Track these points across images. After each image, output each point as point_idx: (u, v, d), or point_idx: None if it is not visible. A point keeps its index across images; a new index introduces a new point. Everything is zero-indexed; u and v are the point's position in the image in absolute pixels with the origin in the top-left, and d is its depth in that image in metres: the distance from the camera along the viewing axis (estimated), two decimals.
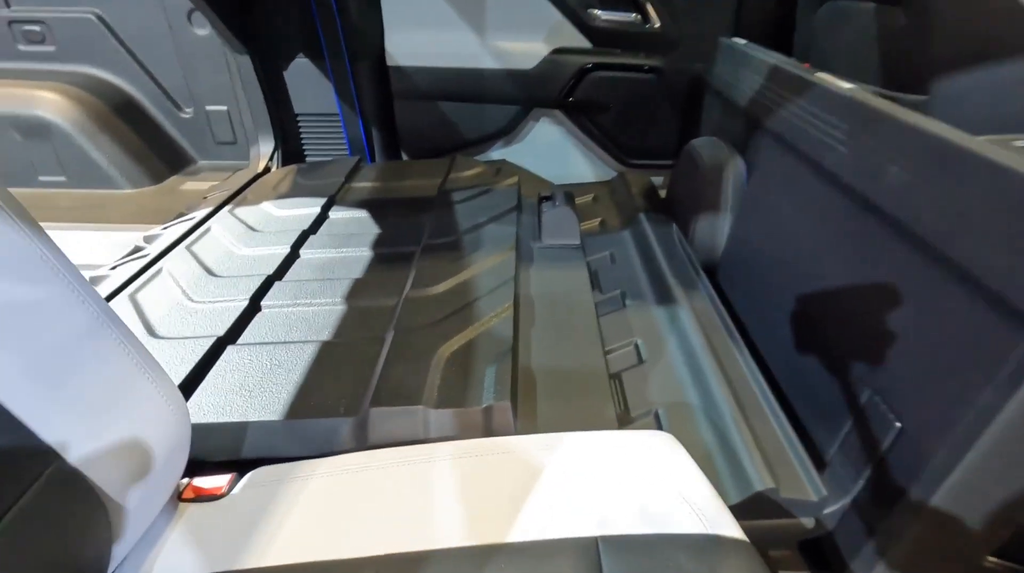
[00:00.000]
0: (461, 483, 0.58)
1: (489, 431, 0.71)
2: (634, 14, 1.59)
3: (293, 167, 1.59)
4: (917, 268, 0.67)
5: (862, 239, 0.78)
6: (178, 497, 0.63)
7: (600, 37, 1.61)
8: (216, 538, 0.57)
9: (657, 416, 0.83)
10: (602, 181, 1.71)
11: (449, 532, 0.53)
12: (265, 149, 1.66)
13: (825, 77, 0.97)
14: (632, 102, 1.66)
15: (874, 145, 0.77)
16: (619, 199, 1.54)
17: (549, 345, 0.90)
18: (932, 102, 0.98)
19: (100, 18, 1.65)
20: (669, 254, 1.22)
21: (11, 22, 1.65)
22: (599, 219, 1.43)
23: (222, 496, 0.63)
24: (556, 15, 1.59)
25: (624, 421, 0.82)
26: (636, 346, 0.98)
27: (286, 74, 1.63)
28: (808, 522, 0.71)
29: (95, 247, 1.35)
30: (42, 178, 1.68)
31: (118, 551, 0.53)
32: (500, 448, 0.61)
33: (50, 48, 1.68)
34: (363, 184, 1.49)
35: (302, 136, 1.72)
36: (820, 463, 0.78)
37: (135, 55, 1.71)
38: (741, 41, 1.38)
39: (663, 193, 1.62)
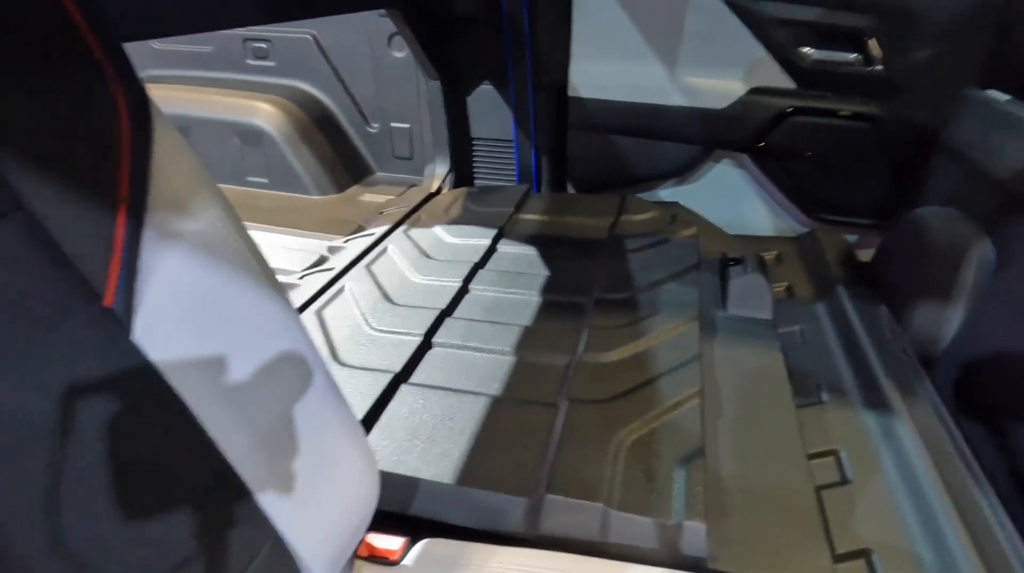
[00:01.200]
0: None
1: (675, 551, 0.62)
2: (854, 54, 1.40)
3: (464, 190, 1.62)
4: None
5: None
6: (354, 554, 0.63)
7: (807, 78, 1.45)
8: None
9: (870, 562, 0.69)
10: (787, 237, 1.53)
11: None
12: (440, 169, 1.71)
13: None
14: (836, 152, 1.47)
15: None
16: (810, 262, 1.36)
17: (741, 445, 0.79)
18: None
19: (315, 38, 1.81)
20: (879, 343, 1.04)
21: (245, 39, 1.88)
22: (785, 284, 1.28)
23: (395, 562, 0.61)
24: (759, 51, 1.45)
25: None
26: (838, 458, 0.83)
27: (469, 99, 1.67)
28: None
29: (286, 250, 1.47)
30: (249, 178, 1.88)
31: None
32: None
33: (272, 63, 1.88)
34: (531, 217, 1.46)
35: (475, 159, 1.75)
36: None
37: (338, 72, 1.86)
38: (1001, 96, 1.15)
39: (861, 256, 1.41)
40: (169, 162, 0.41)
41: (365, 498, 0.55)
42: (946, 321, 1.05)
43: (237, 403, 0.43)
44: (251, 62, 1.90)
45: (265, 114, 1.78)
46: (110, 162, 0.37)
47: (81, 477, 0.33)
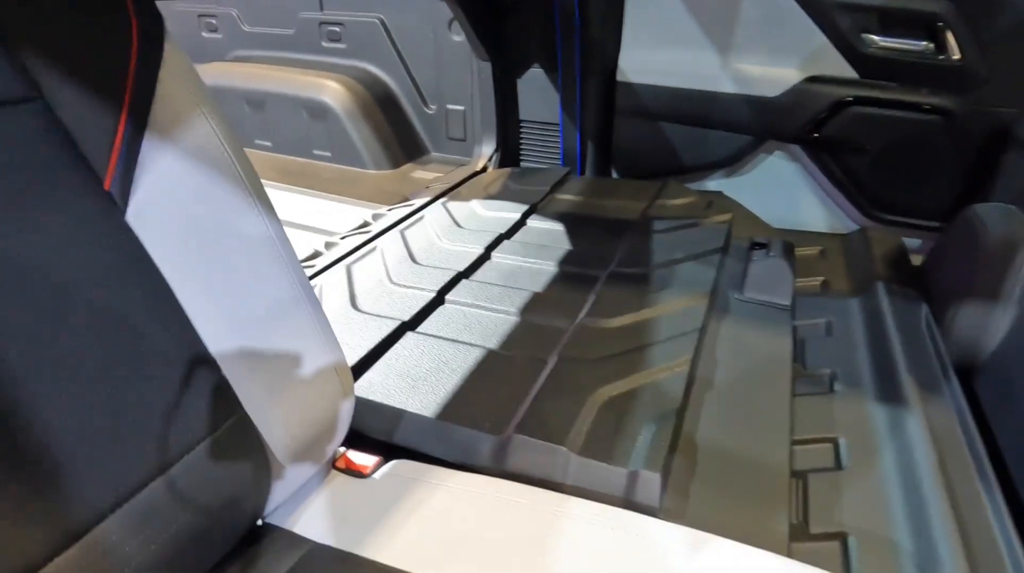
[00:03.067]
0: (583, 552, 0.52)
1: (629, 499, 0.63)
2: (925, 42, 1.31)
3: (507, 170, 1.66)
4: None
5: None
6: (332, 463, 0.69)
7: (871, 66, 1.37)
8: (350, 516, 0.61)
9: (845, 544, 0.66)
10: (835, 234, 1.46)
11: None
12: (487, 150, 1.76)
13: None
14: (899, 146, 1.38)
15: None
16: (854, 259, 1.29)
17: (723, 417, 0.78)
18: None
19: (382, 22, 1.92)
20: (909, 340, 0.98)
21: (321, 23, 2.02)
22: (821, 278, 1.22)
23: (366, 476, 0.67)
24: (818, 38, 1.39)
25: (798, 536, 0.67)
26: (836, 445, 0.80)
27: (519, 82, 1.71)
28: None
29: (339, 217, 1.59)
30: (315, 151, 2.03)
31: (275, 498, 0.59)
32: (637, 528, 0.53)
33: (343, 46, 2.02)
34: (566, 197, 1.49)
35: (522, 141, 1.79)
36: None
37: (401, 55, 1.96)
38: None
39: (915, 260, 1.32)
40: (174, 81, 0.48)
41: (333, 404, 0.61)
42: (991, 324, 0.97)
43: (214, 289, 0.49)
44: (325, 44, 2.04)
45: (332, 91, 1.91)
46: (119, 71, 0.44)
47: (69, 321, 0.40)
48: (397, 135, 1.99)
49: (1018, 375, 0.89)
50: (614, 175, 1.74)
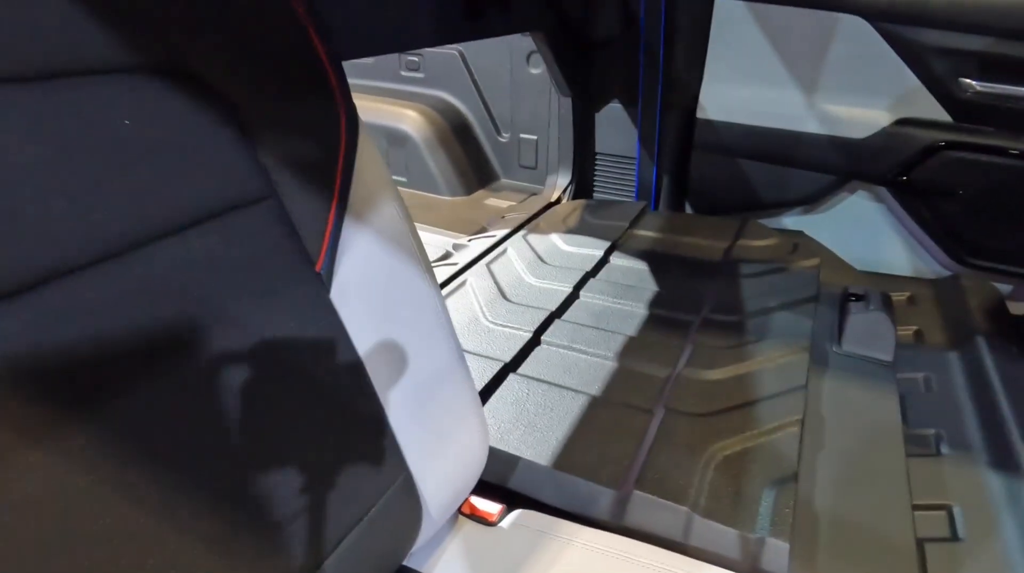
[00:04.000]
0: None
1: (756, 567, 0.65)
2: None
3: (582, 202, 1.69)
4: None
5: None
6: (459, 509, 0.72)
7: (965, 111, 1.34)
8: (481, 565, 0.64)
9: None
10: (924, 279, 1.43)
11: None
12: (562, 181, 1.80)
13: None
14: (994, 192, 1.35)
15: None
16: (948, 307, 1.26)
17: (840, 480, 0.79)
18: None
19: (461, 54, 1.99)
20: (1018, 399, 0.96)
21: (402, 53, 2.10)
22: (914, 328, 1.20)
23: (493, 523, 0.70)
24: (911, 80, 1.37)
25: None
26: (950, 513, 0.79)
27: (597, 115, 1.74)
28: None
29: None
30: (393, 177, 2.10)
31: (415, 545, 0.63)
32: None
33: (421, 75, 2.09)
34: (646, 233, 1.50)
35: (596, 174, 1.82)
36: None
37: (478, 85, 2.02)
38: None
39: (1015, 309, 1.28)
40: (366, 165, 0.53)
41: (476, 457, 0.64)
42: None
43: (394, 358, 0.53)
44: (404, 73, 2.12)
45: (411, 120, 1.98)
46: (332, 163, 0.49)
47: (290, 392, 0.45)
48: (471, 162, 2.05)
49: None
50: (688, 210, 1.74)
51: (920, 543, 0.75)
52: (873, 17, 1.35)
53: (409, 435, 0.55)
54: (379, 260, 0.53)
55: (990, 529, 0.77)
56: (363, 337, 0.51)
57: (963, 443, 0.90)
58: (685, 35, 1.54)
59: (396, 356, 0.54)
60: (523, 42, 1.84)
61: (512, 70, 1.92)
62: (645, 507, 0.71)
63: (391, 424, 0.53)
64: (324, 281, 0.48)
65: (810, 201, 1.58)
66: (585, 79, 1.67)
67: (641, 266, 1.33)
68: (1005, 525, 0.77)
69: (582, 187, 1.82)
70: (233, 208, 0.42)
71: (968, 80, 1.33)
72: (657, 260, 1.35)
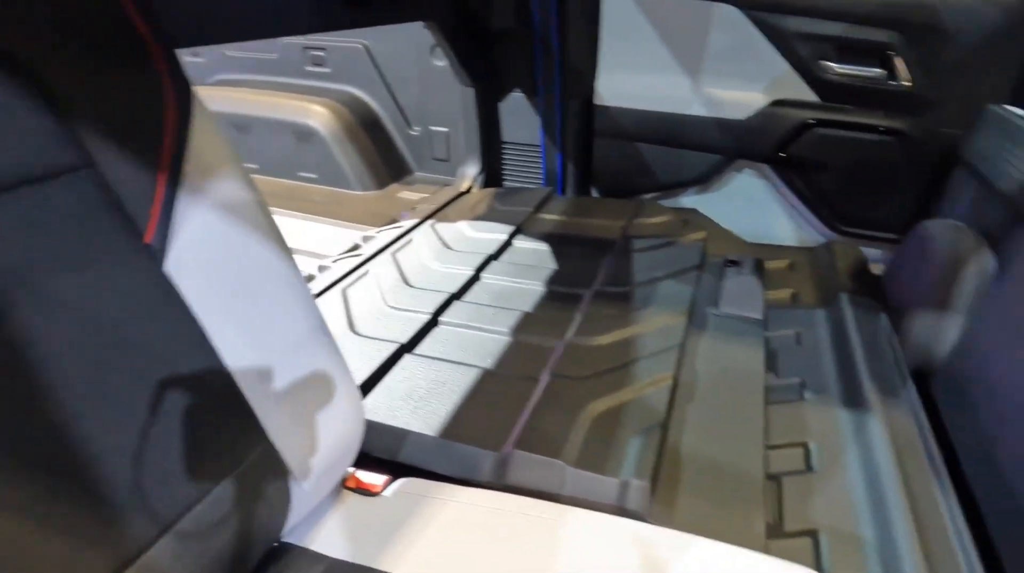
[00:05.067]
0: (582, 557, 0.57)
1: (622, 506, 0.69)
2: (878, 69, 1.41)
3: (491, 191, 1.73)
4: None
5: None
6: (343, 483, 0.73)
7: (830, 91, 1.47)
8: (364, 532, 0.65)
9: (816, 541, 0.73)
10: (803, 247, 1.55)
11: None
12: (472, 171, 1.82)
13: None
14: (858, 165, 1.48)
15: None
16: (820, 271, 1.38)
17: (704, 427, 0.85)
18: None
19: (366, 48, 1.98)
20: (871, 348, 1.07)
21: (304, 48, 2.07)
22: (791, 291, 1.30)
23: (377, 494, 0.71)
24: (782, 65, 1.49)
25: (774, 534, 0.74)
26: (807, 449, 0.87)
27: (501, 105, 1.78)
28: None
29: (329, 239, 1.63)
30: (300, 173, 2.06)
31: (292, 519, 0.64)
32: (630, 533, 0.59)
33: (327, 70, 2.06)
34: (550, 216, 1.55)
35: (504, 162, 1.86)
36: None
37: (385, 79, 2.02)
38: (1019, 111, 1.15)
39: (875, 270, 1.41)
40: (203, 140, 0.53)
41: (351, 430, 0.65)
42: (943, 332, 1.06)
43: (243, 328, 0.54)
44: (309, 68, 2.08)
45: (317, 115, 1.95)
46: (156, 131, 0.49)
47: (116, 362, 0.45)
48: (382, 156, 2.04)
49: (969, 380, 0.97)
50: (594, 193, 1.81)
51: (778, 477, 0.83)
52: (742, 5, 1.45)
53: (267, 406, 0.55)
54: (222, 233, 0.53)
55: (839, 460, 0.85)
56: (207, 309, 0.51)
57: (823, 388, 1.00)
58: (577, 26, 1.60)
59: (246, 328, 0.54)
60: (428, 34, 1.86)
61: (418, 63, 1.93)
62: (524, 465, 0.74)
63: (245, 395, 0.54)
64: (156, 253, 0.49)
65: (703, 180, 1.68)
66: (487, 70, 1.71)
67: (542, 247, 1.37)
68: (851, 456, 0.86)
69: (492, 176, 1.86)
70: (44, 179, 0.42)
71: (828, 63, 1.45)
72: (557, 241, 1.40)
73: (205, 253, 0.52)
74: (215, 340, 0.52)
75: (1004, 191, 1.04)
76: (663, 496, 0.72)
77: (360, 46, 1.98)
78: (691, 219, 1.51)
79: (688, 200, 1.73)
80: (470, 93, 1.73)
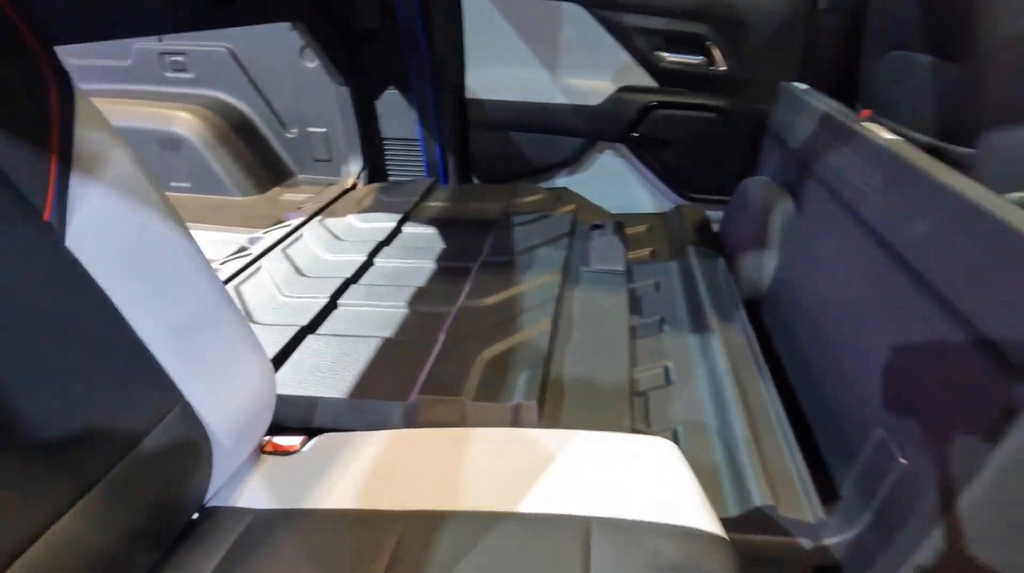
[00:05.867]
0: (484, 462, 0.68)
1: (517, 425, 0.81)
2: (700, 57, 1.67)
3: (376, 185, 1.79)
4: (932, 318, 0.71)
5: (886, 286, 0.82)
6: (261, 450, 0.78)
7: (666, 77, 1.71)
8: (287, 484, 0.71)
9: (675, 433, 0.90)
10: (658, 213, 1.78)
11: (468, 498, 0.64)
12: (354, 168, 1.87)
13: (870, 126, 1.01)
14: (694, 139, 1.74)
15: (903, 197, 0.82)
16: (672, 231, 1.60)
17: (580, 359, 1.00)
18: (979, 156, 1.00)
19: (231, 51, 1.94)
20: (712, 286, 1.28)
21: (162, 53, 1.98)
22: (650, 249, 1.51)
23: (295, 453, 0.77)
24: (624, 56, 1.70)
25: (641, 432, 0.89)
26: (666, 369, 1.05)
27: (377, 103, 1.84)
28: (805, 543, 0.76)
29: (210, 244, 1.59)
30: (172, 183, 1.98)
31: (215, 483, 0.68)
32: (521, 437, 0.71)
33: (190, 75, 1.99)
34: (435, 203, 1.65)
35: (386, 158, 1.92)
36: (835, 496, 0.82)
37: (255, 82, 1.99)
38: (801, 86, 1.43)
39: (716, 227, 1.67)
40: (87, 124, 0.57)
41: (264, 390, 0.71)
42: (764, 267, 1.30)
43: (147, 296, 0.58)
44: (169, 74, 2.00)
45: (184, 122, 1.89)
46: (43, 121, 0.53)
47: (23, 332, 0.48)
48: (260, 160, 2.01)
49: (784, 302, 1.21)
50: (475, 182, 1.93)
51: (645, 392, 1.00)
52: (585, 4, 1.65)
53: (181, 368, 0.60)
54: (116, 209, 0.57)
55: (690, 373, 1.04)
56: (111, 279, 0.55)
57: (677, 322, 1.19)
58: (441, 24, 1.71)
59: (152, 296, 0.58)
60: (296, 36, 1.86)
61: (289, 65, 1.93)
62: (428, 407, 0.84)
63: (157, 358, 0.58)
64: (56, 230, 0.52)
65: (571, 162, 1.87)
66: (359, 68, 1.76)
67: (430, 231, 1.47)
68: (699, 369, 1.05)
69: (376, 172, 1.91)
70: None
71: (661, 53, 1.69)
72: (444, 224, 1.50)
73: (104, 228, 0.56)
74: (121, 307, 0.56)
75: (796, 150, 1.31)
76: (549, 413, 0.85)
77: (224, 50, 1.94)
78: (563, 196, 1.68)
79: (560, 181, 1.91)
80: (344, 92, 1.77)
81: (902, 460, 0.72)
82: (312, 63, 1.90)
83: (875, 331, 0.83)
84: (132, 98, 1.99)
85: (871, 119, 1.25)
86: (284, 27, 1.85)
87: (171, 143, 1.91)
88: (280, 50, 1.92)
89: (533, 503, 0.62)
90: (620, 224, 1.37)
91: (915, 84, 1.21)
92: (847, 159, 1.01)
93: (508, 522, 0.61)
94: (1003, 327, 0.60)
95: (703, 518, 0.60)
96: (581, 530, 0.59)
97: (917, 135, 1.17)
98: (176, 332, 0.60)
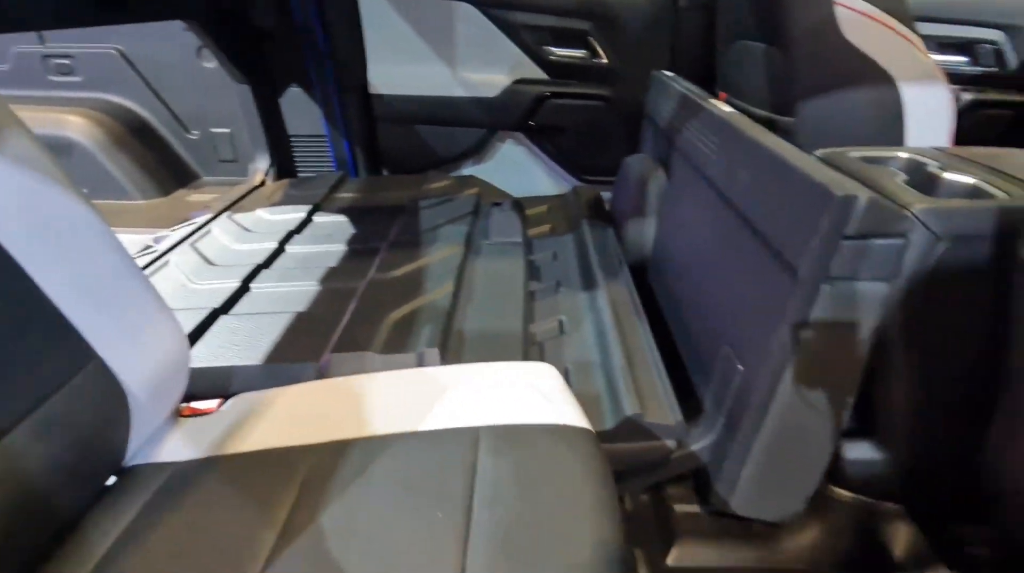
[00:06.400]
0: (388, 397, 0.77)
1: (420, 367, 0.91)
2: (584, 51, 1.84)
3: (285, 181, 1.82)
4: (756, 251, 0.87)
5: (726, 230, 0.99)
6: (180, 415, 0.83)
7: (555, 70, 1.86)
8: (207, 437, 0.77)
9: (567, 371, 1.03)
10: (557, 195, 1.93)
11: (372, 427, 0.73)
12: (262, 166, 1.89)
13: (715, 102, 1.19)
14: (584, 125, 1.90)
15: (732, 156, 0.99)
16: (569, 210, 1.76)
17: (480, 317, 1.11)
18: (798, 123, 1.21)
19: (121, 53, 1.90)
20: (601, 252, 1.44)
21: (44, 56, 1.91)
22: (549, 226, 1.65)
23: (213, 413, 0.83)
24: (516, 51, 1.84)
25: None
26: (560, 322, 1.18)
27: (281, 101, 1.88)
28: (671, 444, 0.90)
29: None
30: None
31: (134, 442, 0.73)
32: (422, 374, 0.81)
33: (77, 79, 1.93)
34: (345, 195, 1.71)
35: (294, 155, 1.95)
36: (700, 410, 0.98)
37: (150, 84, 1.96)
38: (668, 74, 1.62)
39: (608, 205, 1.84)
40: None
41: (178, 350, 0.76)
42: (644, 234, 1.47)
43: (54, 260, 0.63)
44: (54, 78, 1.93)
45: (74, 126, 1.83)
46: None
47: None
48: (161, 163, 1.98)
49: (663, 262, 1.38)
50: (385, 174, 2.00)
51: (541, 343, 1.12)
52: (475, 3, 1.77)
53: (93, 327, 0.65)
54: (16, 182, 0.61)
55: (580, 324, 1.18)
56: (19, 246, 0.60)
57: (571, 284, 1.33)
58: (339, 22, 1.77)
59: (60, 261, 0.63)
60: (192, 36, 1.86)
61: (186, 66, 1.92)
62: (340, 363, 0.92)
63: (68, 317, 0.63)
64: None
65: (475, 152, 1.98)
66: (259, 66, 1.79)
67: (341, 219, 1.53)
68: (588, 319, 1.19)
69: (284, 169, 1.94)
70: None
71: (550, 47, 1.84)
72: (354, 213, 1.56)
73: (6, 201, 0.60)
74: (29, 270, 0.60)
75: (664, 129, 1.49)
76: (450, 361, 0.95)
77: (114, 51, 1.89)
78: (468, 182, 1.79)
79: (467, 170, 2.02)
80: (245, 90, 1.79)
81: (739, 366, 0.88)
82: (211, 63, 1.90)
83: (721, 268, 1.00)
84: (13, 104, 1.90)
85: (727, 101, 1.45)
86: (178, 27, 1.84)
87: (62, 148, 1.84)
88: (176, 51, 1.91)
89: (431, 423, 0.72)
90: (518, 202, 1.50)
91: (754, 68, 1.42)
92: (697, 131, 1.19)
93: (407, 440, 0.70)
94: (796, 250, 0.76)
95: (571, 416, 0.72)
96: (471, 439, 0.69)
97: (757, 110, 1.38)
98: (85, 293, 0.65)
